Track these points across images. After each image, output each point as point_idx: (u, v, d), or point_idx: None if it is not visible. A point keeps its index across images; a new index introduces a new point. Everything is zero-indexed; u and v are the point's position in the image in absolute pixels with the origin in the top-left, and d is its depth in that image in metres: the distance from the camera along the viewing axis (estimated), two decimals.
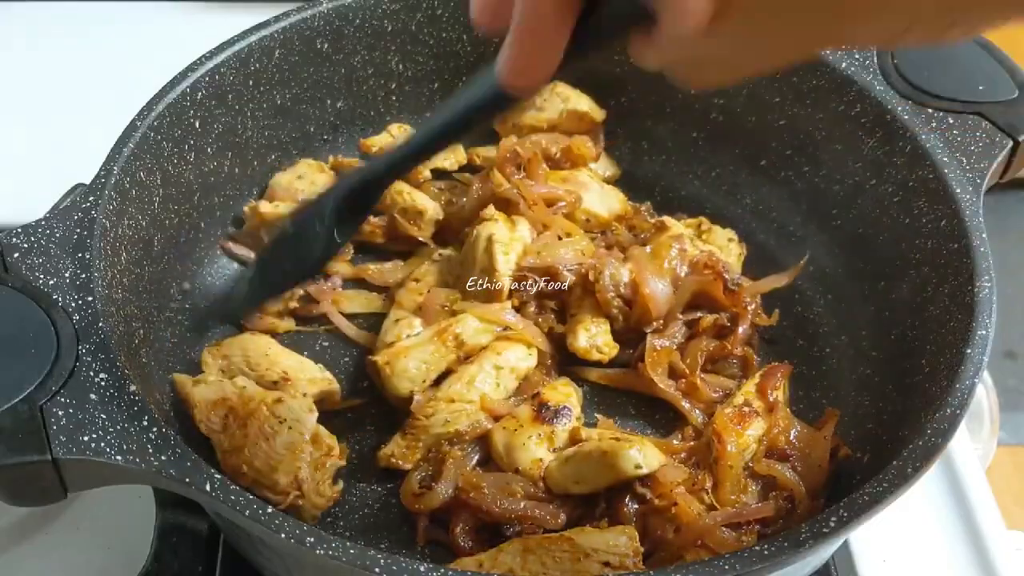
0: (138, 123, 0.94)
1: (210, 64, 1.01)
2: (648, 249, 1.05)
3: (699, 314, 1.03)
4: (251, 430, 0.88)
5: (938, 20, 0.54)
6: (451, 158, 1.18)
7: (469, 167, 1.19)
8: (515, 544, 0.85)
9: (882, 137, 1.05)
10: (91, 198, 0.88)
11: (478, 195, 1.11)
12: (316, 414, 0.91)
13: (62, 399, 0.75)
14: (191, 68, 1.01)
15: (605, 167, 1.21)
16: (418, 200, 1.12)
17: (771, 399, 0.97)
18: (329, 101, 1.16)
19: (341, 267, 1.11)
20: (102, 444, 0.73)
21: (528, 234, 1.06)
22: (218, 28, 1.06)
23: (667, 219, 1.09)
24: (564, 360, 1.03)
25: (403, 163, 0.81)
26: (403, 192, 1.12)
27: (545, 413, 0.94)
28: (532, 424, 0.93)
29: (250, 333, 1.03)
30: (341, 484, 0.92)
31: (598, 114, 1.20)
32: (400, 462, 0.94)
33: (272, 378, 0.96)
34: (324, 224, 0.84)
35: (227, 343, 1.00)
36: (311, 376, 0.98)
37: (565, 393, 0.98)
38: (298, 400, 0.90)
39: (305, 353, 1.03)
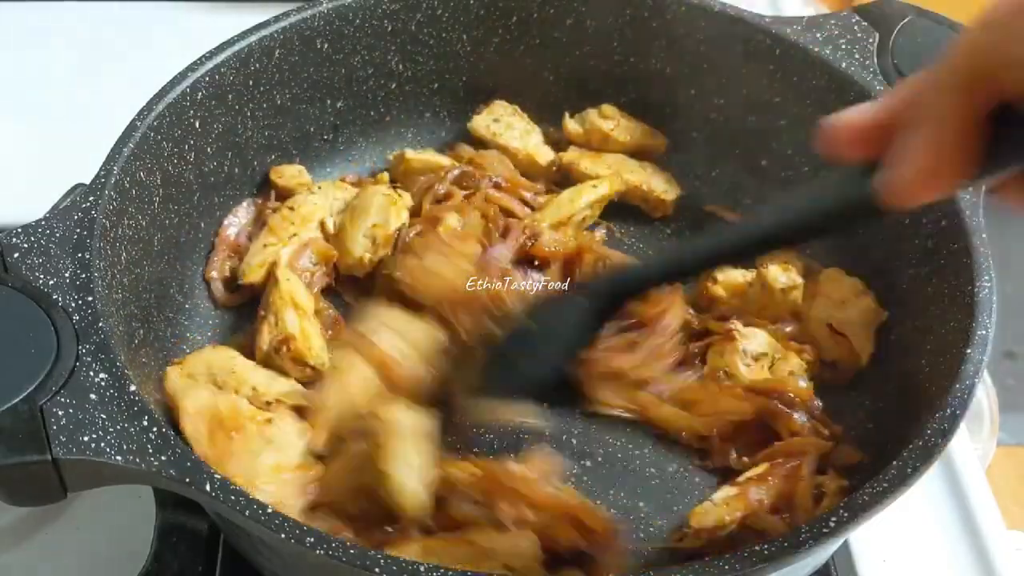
0: (138, 123, 0.94)
1: (210, 64, 1.01)
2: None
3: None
4: (236, 445, 0.87)
5: None
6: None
7: None
8: (414, 546, 0.83)
9: None
10: (91, 198, 0.88)
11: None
12: (307, 437, 0.90)
13: (62, 399, 0.75)
14: (191, 68, 1.00)
15: (665, 188, 1.19)
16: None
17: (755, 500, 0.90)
18: (329, 101, 1.16)
19: None
20: (102, 444, 0.73)
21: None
22: (218, 28, 1.06)
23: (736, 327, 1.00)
24: None
25: (702, 264, 0.74)
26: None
27: None
28: None
29: (212, 347, 0.99)
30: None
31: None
32: None
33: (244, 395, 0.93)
34: (579, 318, 0.76)
35: (190, 359, 0.95)
36: (280, 391, 0.94)
37: None
38: (289, 424, 0.90)
39: None
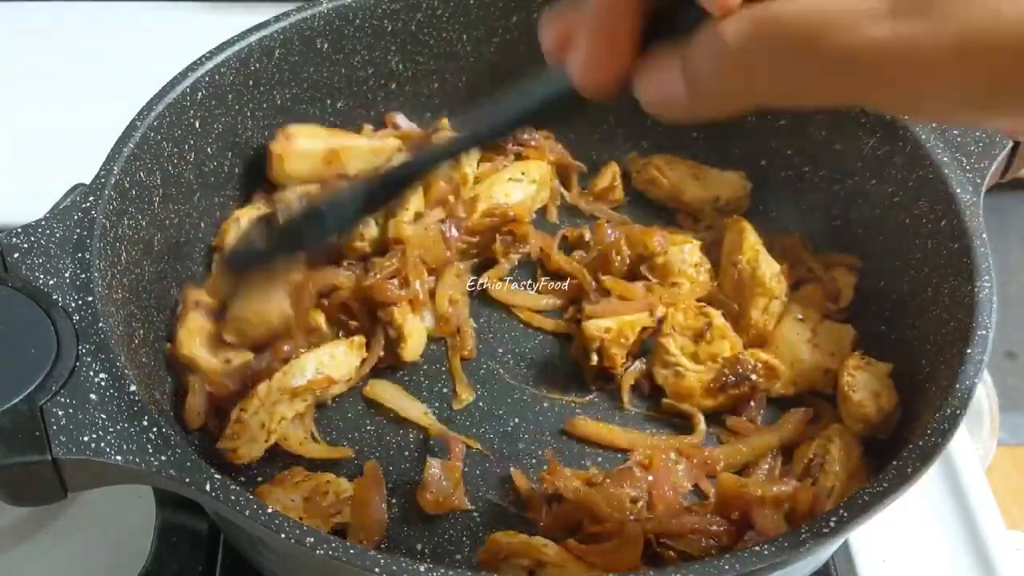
0: (138, 123, 0.94)
1: (210, 64, 1.01)
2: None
3: None
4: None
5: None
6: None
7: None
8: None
9: (882, 137, 1.05)
10: (91, 198, 0.88)
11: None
12: None
13: (62, 399, 0.75)
14: (191, 68, 1.01)
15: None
16: None
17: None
18: (329, 101, 1.16)
19: None
20: (102, 444, 0.73)
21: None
22: (218, 28, 1.06)
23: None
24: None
25: (444, 157, 0.79)
26: None
27: None
28: None
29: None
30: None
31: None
32: None
33: None
34: (351, 207, 0.81)
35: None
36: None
37: None
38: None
39: None
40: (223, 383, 0.95)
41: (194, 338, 0.97)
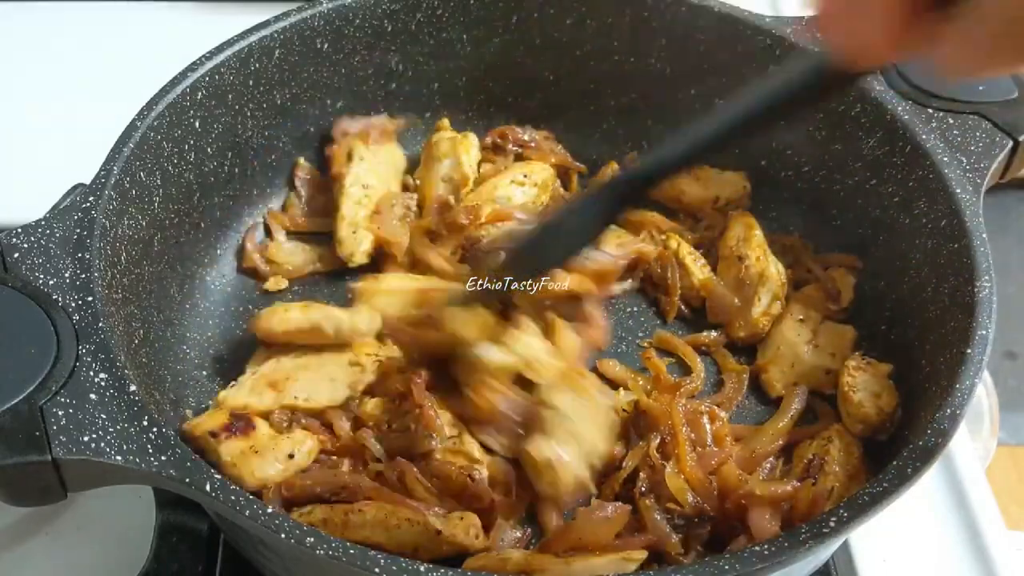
0: (138, 123, 0.94)
1: (210, 64, 1.01)
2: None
3: None
4: None
5: None
6: None
7: None
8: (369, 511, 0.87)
9: (882, 137, 1.05)
10: (91, 198, 0.88)
11: None
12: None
13: (62, 399, 0.75)
14: (191, 68, 1.01)
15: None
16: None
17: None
18: (329, 101, 1.16)
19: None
20: (102, 444, 0.73)
21: None
22: (218, 28, 1.06)
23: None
24: None
25: (691, 156, 0.78)
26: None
27: None
28: None
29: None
30: None
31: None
32: None
33: None
34: (593, 211, 0.84)
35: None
36: None
37: None
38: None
39: None
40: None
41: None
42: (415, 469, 0.91)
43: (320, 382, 0.98)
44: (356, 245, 1.10)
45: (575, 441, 0.91)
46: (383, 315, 1.00)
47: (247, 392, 0.96)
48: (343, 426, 0.96)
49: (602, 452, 0.93)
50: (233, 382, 0.98)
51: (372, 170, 1.15)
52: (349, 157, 1.14)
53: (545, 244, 0.88)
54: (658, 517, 0.89)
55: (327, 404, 0.97)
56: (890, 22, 0.60)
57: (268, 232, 1.15)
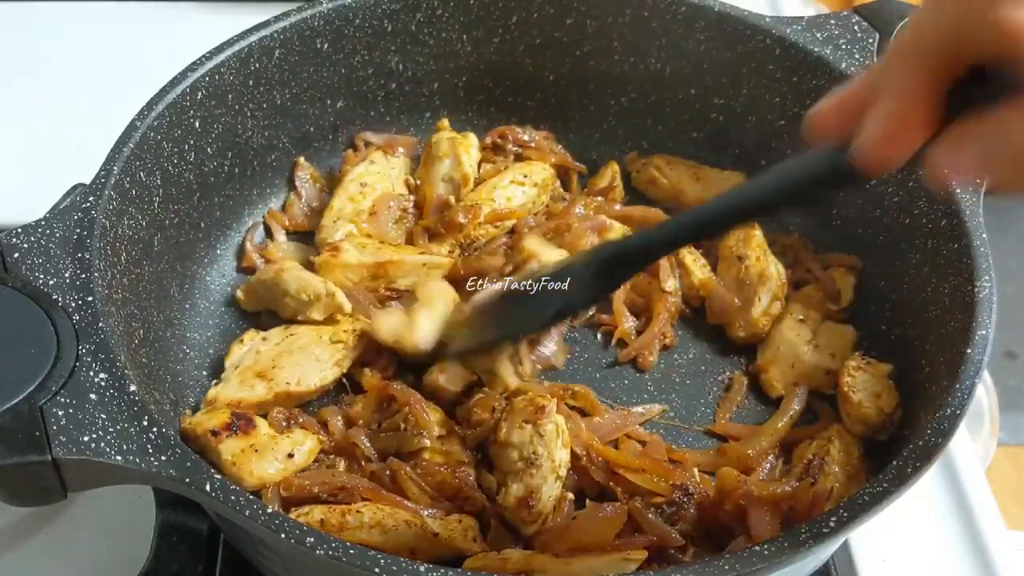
0: (138, 123, 0.94)
1: (210, 64, 1.01)
2: None
3: None
4: None
5: None
6: None
7: None
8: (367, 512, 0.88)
9: None
10: (91, 198, 0.88)
11: None
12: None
13: (62, 399, 0.75)
14: (191, 68, 1.01)
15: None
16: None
17: None
18: (329, 101, 1.17)
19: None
20: (102, 444, 0.73)
21: None
22: (218, 28, 1.06)
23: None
24: None
25: (693, 234, 0.79)
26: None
27: None
28: None
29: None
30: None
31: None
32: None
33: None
34: (581, 283, 0.84)
35: None
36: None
37: None
38: None
39: None
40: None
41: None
42: (407, 469, 0.92)
43: (306, 364, 0.99)
44: (332, 233, 1.11)
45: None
46: (343, 287, 1.04)
47: (236, 386, 0.97)
48: (337, 424, 0.97)
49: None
50: (216, 380, 0.99)
51: (377, 173, 1.15)
52: (361, 160, 1.16)
53: (525, 309, 0.90)
54: (651, 515, 0.89)
55: (319, 385, 0.99)
56: (906, 132, 0.59)
57: (268, 232, 1.16)
